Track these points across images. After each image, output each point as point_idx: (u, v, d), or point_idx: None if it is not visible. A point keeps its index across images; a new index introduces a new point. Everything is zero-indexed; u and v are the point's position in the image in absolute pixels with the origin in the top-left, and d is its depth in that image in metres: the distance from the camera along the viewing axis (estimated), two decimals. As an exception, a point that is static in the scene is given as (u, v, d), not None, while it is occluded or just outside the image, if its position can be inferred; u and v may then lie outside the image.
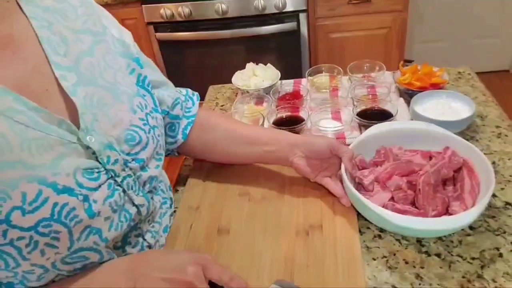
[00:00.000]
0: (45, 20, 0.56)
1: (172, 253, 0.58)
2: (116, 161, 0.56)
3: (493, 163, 0.83)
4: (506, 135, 0.90)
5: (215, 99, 1.20)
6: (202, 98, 1.22)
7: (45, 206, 0.48)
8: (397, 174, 0.74)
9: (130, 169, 0.59)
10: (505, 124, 0.93)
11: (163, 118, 0.74)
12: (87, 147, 0.54)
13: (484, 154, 0.85)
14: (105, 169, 0.55)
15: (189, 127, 0.80)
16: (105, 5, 2.04)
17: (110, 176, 0.56)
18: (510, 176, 0.80)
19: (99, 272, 0.56)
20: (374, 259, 0.67)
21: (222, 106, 1.16)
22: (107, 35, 0.63)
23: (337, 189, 0.75)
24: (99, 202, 0.54)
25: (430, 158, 0.77)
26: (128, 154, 0.59)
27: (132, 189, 0.59)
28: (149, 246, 0.66)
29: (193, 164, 0.91)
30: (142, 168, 0.62)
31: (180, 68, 2.20)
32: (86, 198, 0.52)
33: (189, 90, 0.84)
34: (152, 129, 0.64)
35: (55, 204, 0.49)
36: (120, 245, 0.62)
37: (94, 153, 0.54)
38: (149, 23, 2.06)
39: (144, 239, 0.66)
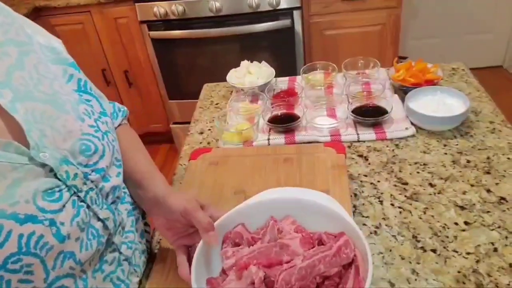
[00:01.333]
0: None
1: None
2: (75, 175, 0.52)
3: (488, 158, 0.84)
4: (500, 130, 0.91)
5: (209, 97, 1.20)
6: (196, 96, 1.23)
7: (9, 240, 0.44)
8: (257, 264, 0.56)
9: (92, 181, 0.55)
10: (498, 120, 0.94)
11: None
12: (43, 166, 0.49)
13: (478, 149, 0.86)
14: (66, 185, 0.51)
15: None
16: (98, 4, 2.03)
17: (72, 192, 0.52)
18: (504, 171, 0.80)
19: None
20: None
21: (216, 104, 1.16)
22: (33, 44, 0.58)
23: (182, 268, 0.60)
24: (66, 224, 0.50)
25: (320, 243, 0.59)
26: (86, 165, 0.55)
27: (96, 203, 0.56)
28: (126, 259, 0.63)
29: (188, 164, 0.91)
30: (104, 178, 0.58)
31: (174, 67, 2.19)
32: (52, 222, 0.48)
33: (116, 104, 0.77)
34: (105, 135, 0.59)
35: (20, 235, 0.45)
36: (98, 267, 0.58)
37: (51, 170, 0.50)
38: (142, 22, 2.05)
39: (120, 253, 0.62)
